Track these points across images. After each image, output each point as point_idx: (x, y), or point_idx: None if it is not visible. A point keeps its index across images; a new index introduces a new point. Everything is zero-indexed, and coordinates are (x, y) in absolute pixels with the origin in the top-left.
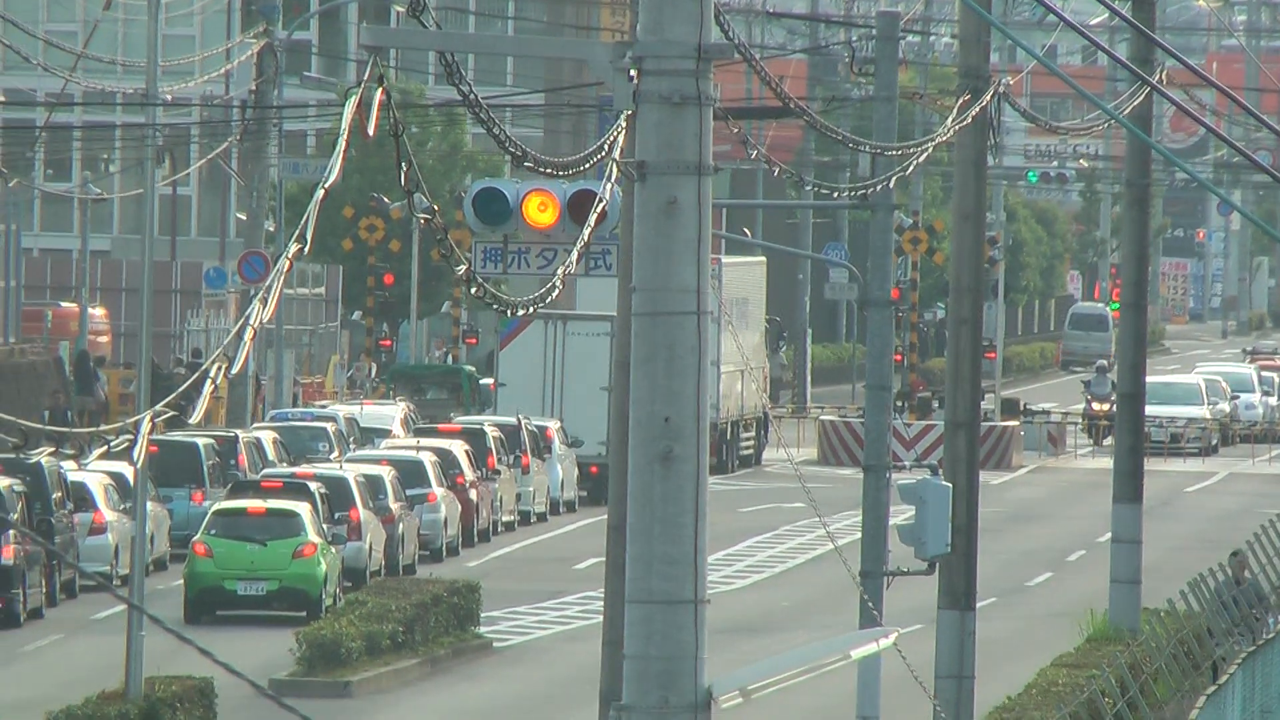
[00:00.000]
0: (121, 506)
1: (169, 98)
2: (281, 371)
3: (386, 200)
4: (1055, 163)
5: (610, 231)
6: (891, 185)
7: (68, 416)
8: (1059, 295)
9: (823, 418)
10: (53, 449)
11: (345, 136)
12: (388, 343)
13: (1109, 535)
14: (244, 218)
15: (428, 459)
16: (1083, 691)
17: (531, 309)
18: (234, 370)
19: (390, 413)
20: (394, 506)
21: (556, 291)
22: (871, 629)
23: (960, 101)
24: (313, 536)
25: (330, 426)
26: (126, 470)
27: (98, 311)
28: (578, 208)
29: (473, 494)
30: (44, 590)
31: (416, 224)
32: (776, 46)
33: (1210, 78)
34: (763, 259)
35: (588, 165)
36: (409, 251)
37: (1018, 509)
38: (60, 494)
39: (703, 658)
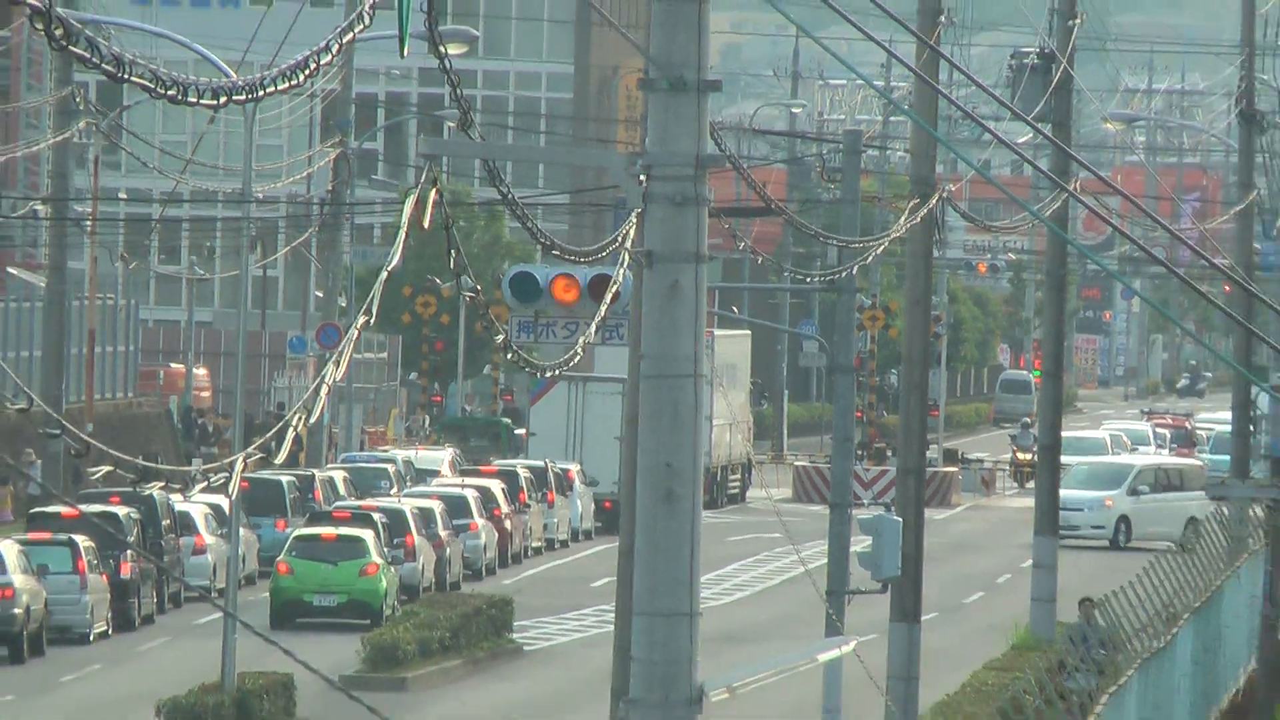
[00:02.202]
0: (219, 532)
1: (260, 196)
2: (350, 422)
3: (438, 281)
4: (989, 255)
5: (623, 308)
6: (854, 272)
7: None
8: (991, 364)
9: (797, 463)
10: (162, 484)
11: (405, 229)
12: (439, 399)
13: (1030, 562)
14: (321, 295)
15: (470, 495)
16: (1008, 690)
17: (557, 371)
18: (311, 420)
19: (440, 456)
20: (443, 534)
21: (578, 358)
22: (835, 638)
23: (911, 204)
24: (375, 558)
25: (390, 467)
26: (223, 502)
27: (200, 371)
28: (596, 288)
29: (507, 524)
30: (155, 601)
31: (463, 301)
32: (761, 157)
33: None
34: (748, 332)
35: (605, 253)
36: (456, 323)
37: (956, 540)
38: (169, 521)
39: (696, 661)
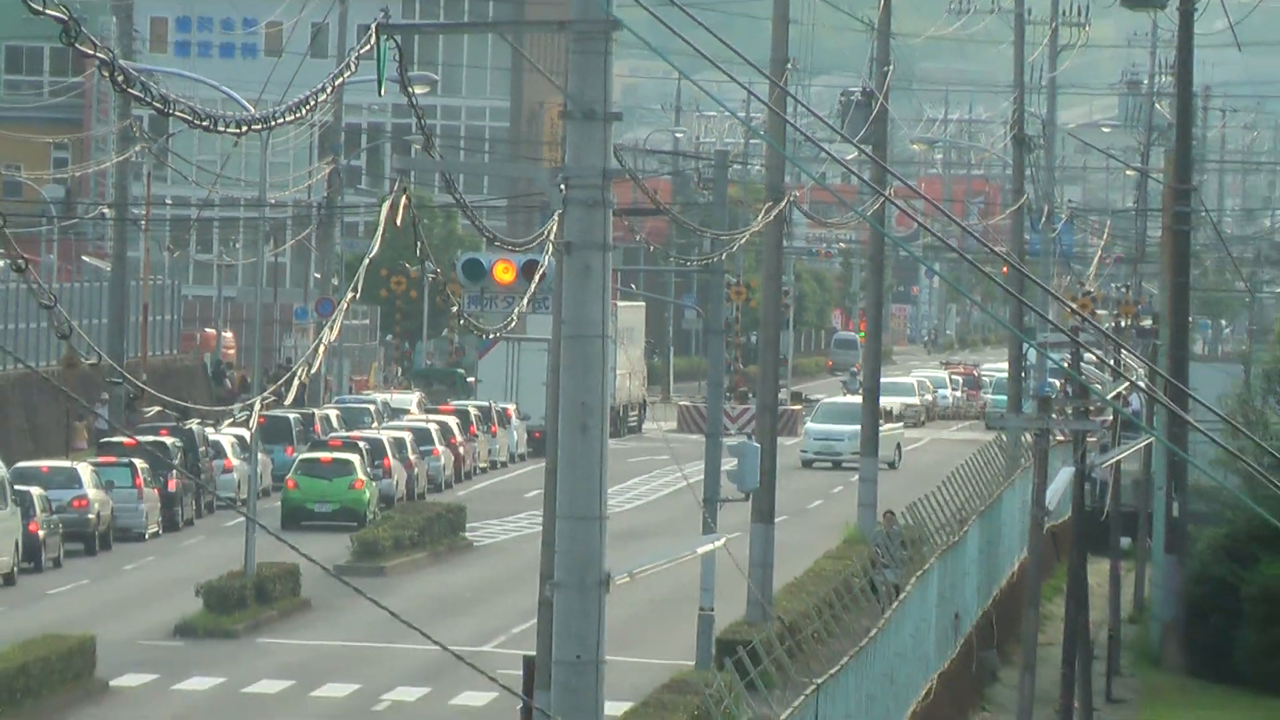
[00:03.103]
0: (241, 456)
1: (273, 201)
2: (341, 372)
3: (407, 265)
4: (826, 245)
5: (548, 285)
6: (723, 258)
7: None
8: (827, 327)
9: (680, 403)
10: (199, 420)
11: (382, 225)
12: (409, 354)
13: (858, 476)
14: (319, 276)
15: (433, 428)
16: (840, 574)
17: (498, 333)
18: (312, 371)
19: (409, 398)
20: (411, 457)
21: (514, 323)
22: (710, 535)
23: (766, 206)
24: (361, 475)
25: (371, 407)
26: (245, 434)
27: (227, 335)
28: (528, 270)
29: (461, 450)
30: (194, 508)
31: (426, 280)
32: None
33: (920, 192)
34: (643, 304)
35: (534, 243)
36: (422, 297)
37: (800, 460)
38: (204, 448)
39: (604, 553)
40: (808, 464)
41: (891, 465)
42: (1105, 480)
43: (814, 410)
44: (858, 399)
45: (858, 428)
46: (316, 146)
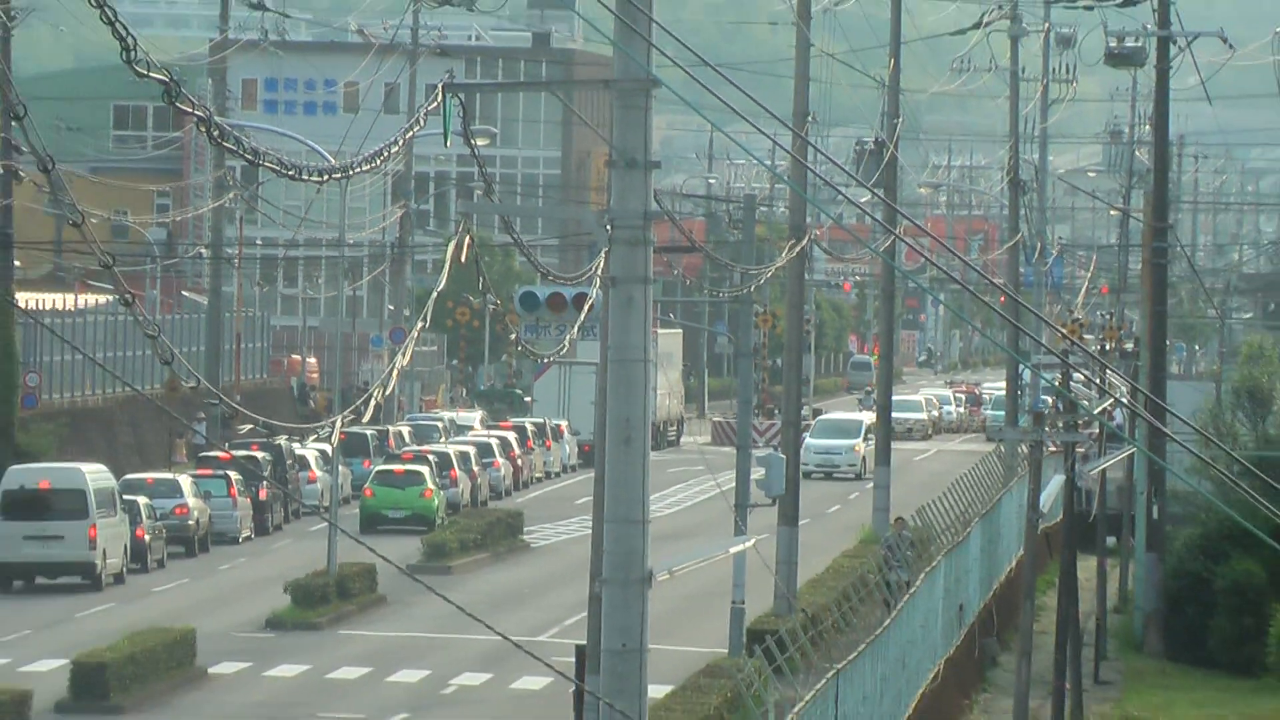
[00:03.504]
0: (324, 468)
1: (351, 241)
2: (412, 393)
3: (471, 298)
4: (844, 277)
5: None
6: (751, 289)
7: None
8: (844, 351)
9: (714, 419)
10: (286, 436)
11: (448, 263)
12: (472, 376)
13: (872, 484)
14: (392, 307)
15: (494, 442)
16: (857, 571)
17: (552, 358)
18: (386, 392)
19: (473, 416)
20: (475, 469)
21: (565, 349)
22: (740, 536)
23: (790, 244)
24: (430, 485)
25: (439, 424)
26: (327, 448)
27: (311, 360)
28: (578, 301)
29: (519, 462)
30: (282, 515)
31: (487, 311)
32: (687, 213)
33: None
34: (680, 331)
35: (583, 278)
36: (483, 326)
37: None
38: (291, 461)
39: (647, 553)
40: (807, 475)
41: (859, 475)
42: (1091, 489)
43: (813, 426)
44: (849, 415)
45: (853, 442)
46: (389, 193)
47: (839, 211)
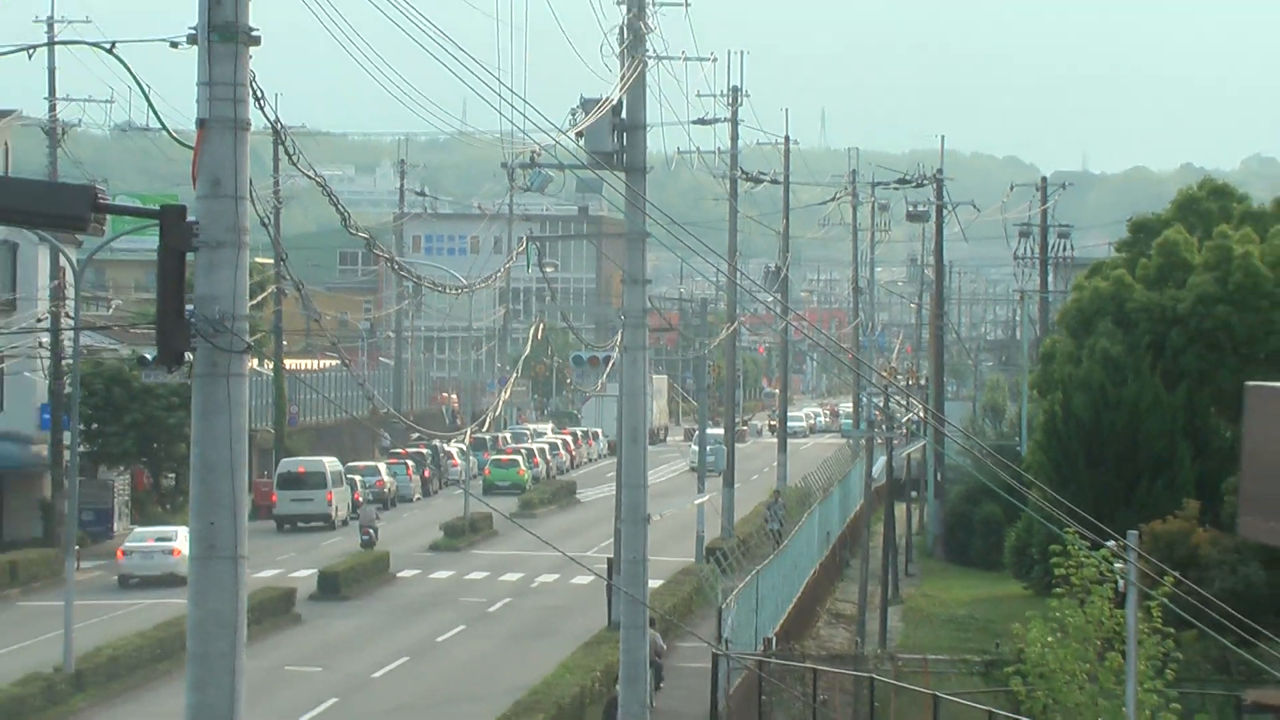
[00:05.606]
0: (461, 459)
1: (476, 327)
2: (511, 414)
3: (544, 360)
4: (758, 344)
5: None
6: (706, 353)
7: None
8: (759, 387)
9: (686, 427)
10: (439, 440)
11: (530, 340)
12: (545, 404)
13: (776, 461)
14: (500, 365)
15: (559, 441)
16: (763, 516)
17: (591, 393)
18: (495, 414)
19: (546, 428)
20: (549, 457)
21: (600, 387)
22: (701, 494)
23: (727, 325)
24: (523, 467)
25: (527, 432)
26: (463, 447)
27: (453, 397)
28: (606, 361)
29: (573, 453)
30: (437, 485)
31: (554, 367)
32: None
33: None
34: (666, 375)
35: (609, 347)
36: (552, 375)
37: (746, 454)
38: (442, 454)
39: (645, 502)
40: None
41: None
42: (901, 464)
43: (694, 436)
44: (715, 430)
45: (721, 447)
46: (497, 299)
47: (755, 307)
